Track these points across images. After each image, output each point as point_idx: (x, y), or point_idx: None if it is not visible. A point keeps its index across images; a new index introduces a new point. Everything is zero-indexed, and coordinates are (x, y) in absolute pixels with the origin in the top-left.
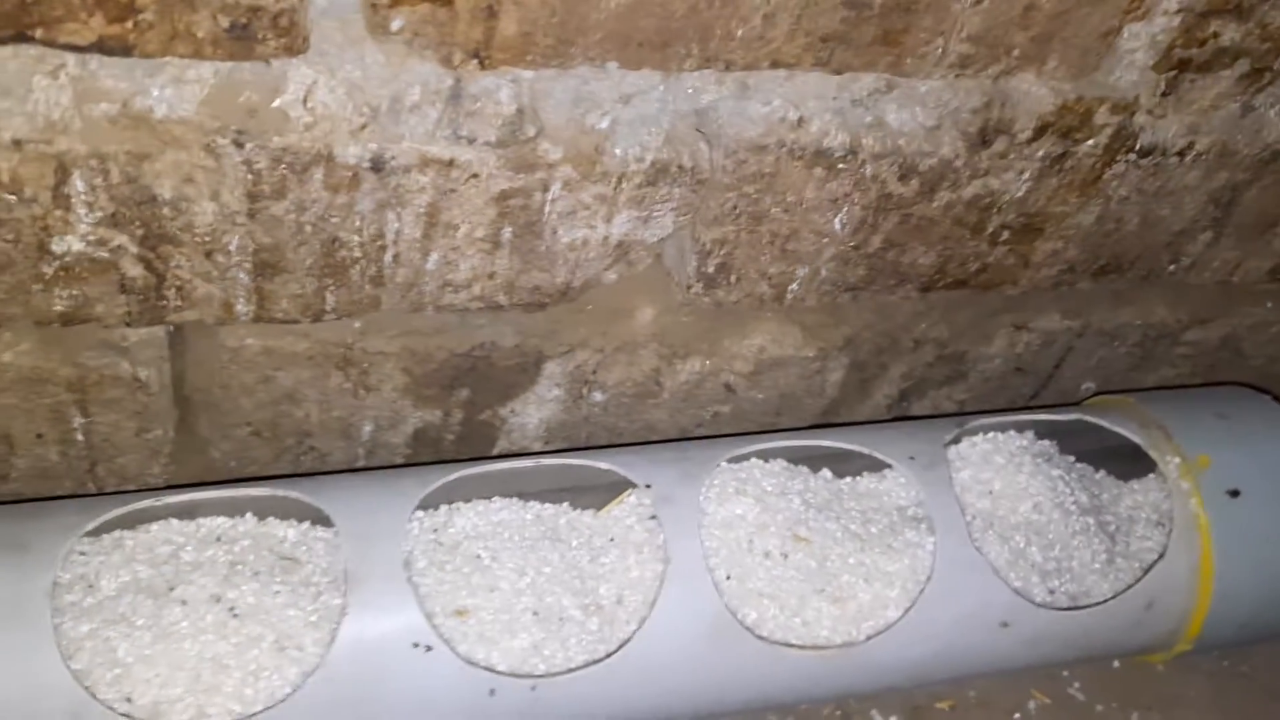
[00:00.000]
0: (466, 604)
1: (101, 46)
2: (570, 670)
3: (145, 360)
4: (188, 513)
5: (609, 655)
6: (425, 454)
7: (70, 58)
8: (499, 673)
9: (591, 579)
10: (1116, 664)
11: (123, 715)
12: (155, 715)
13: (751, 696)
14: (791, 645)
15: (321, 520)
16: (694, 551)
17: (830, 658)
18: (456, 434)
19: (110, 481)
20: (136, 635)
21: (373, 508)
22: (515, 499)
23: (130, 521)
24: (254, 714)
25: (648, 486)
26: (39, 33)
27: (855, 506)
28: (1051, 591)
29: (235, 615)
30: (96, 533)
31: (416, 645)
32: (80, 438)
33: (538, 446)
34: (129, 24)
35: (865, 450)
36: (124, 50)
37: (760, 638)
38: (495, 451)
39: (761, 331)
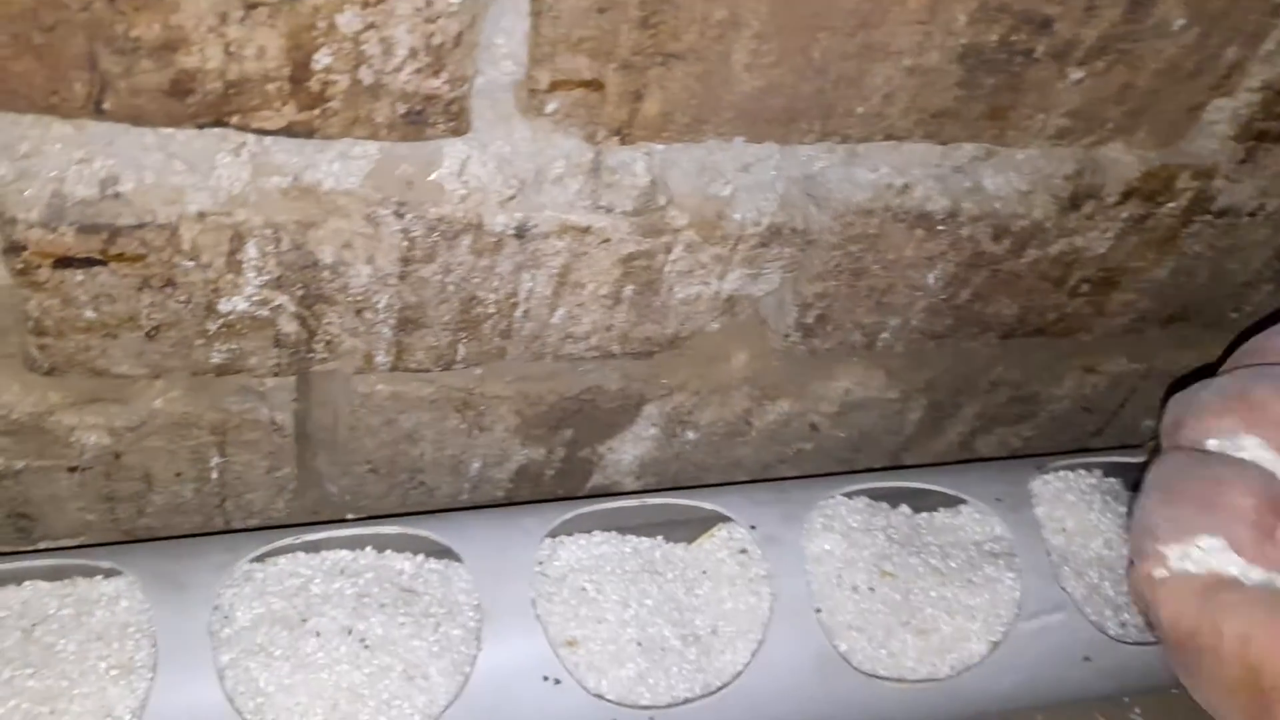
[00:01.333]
0: (575, 635)
1: (288, 131)
2: (686, 701)
3: (279, 404)
4: (312, 546)
5: (723, 687)
6: (525, 489)
7: (251, 137)
8: (620, 704)
9: (688, 610)
10: (1175, 690)
11: None
12: None
13: None
14: (885, 679)
15: (435, 553)
16: (799, 589)
17: (921, 690)
18: (556, 470)
19: (237, 516)
20: (275, 665)
21: (499, 546)
22: (614, 533)
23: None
24: None
25: (753, 528)
26: (235, 119)
27: (934, 541)
28: (1123, 625)
29: (366, 646)
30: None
31: (546, 678)
32: (215, 476)
33: (629, 481)
34: (316, 111)
35: (954, 493)
36: (307, 134)
37: (857, 670)
38: (589, 485)
39: (848, 375)
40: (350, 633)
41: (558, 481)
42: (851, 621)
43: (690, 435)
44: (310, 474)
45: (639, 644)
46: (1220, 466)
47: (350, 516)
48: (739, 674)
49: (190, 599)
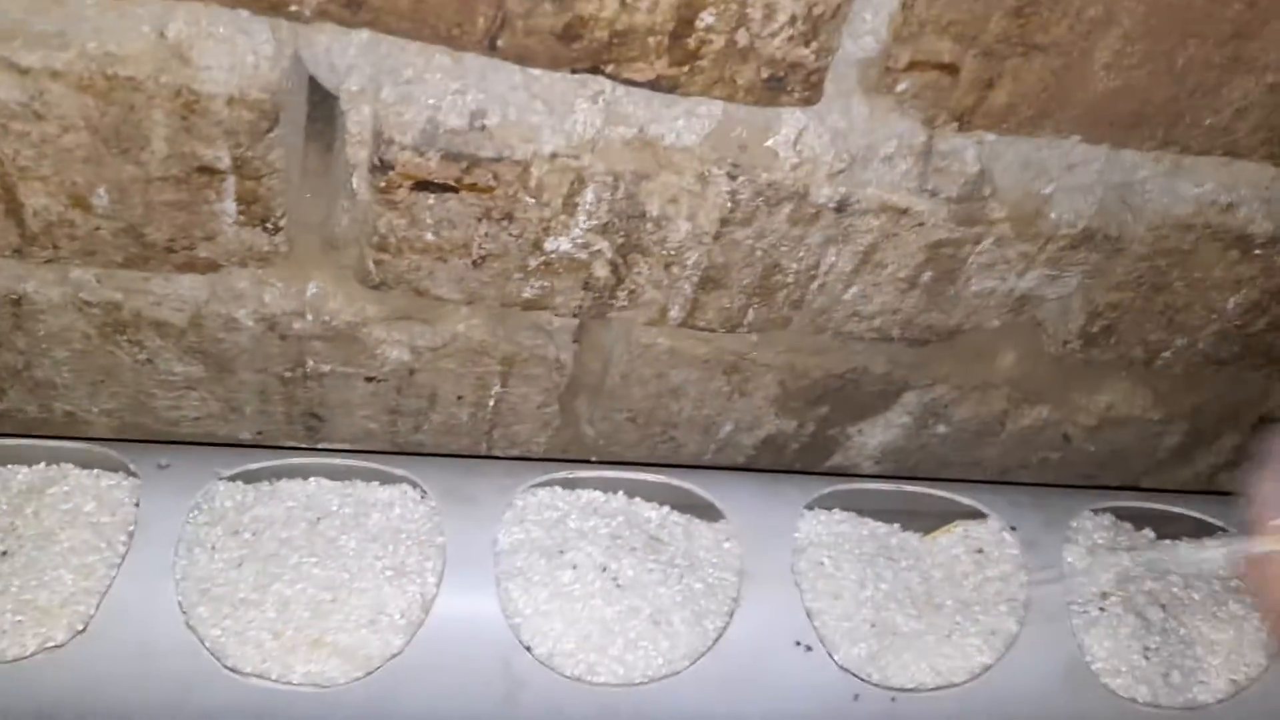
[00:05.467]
0: (811, 607)
1: (654, 84)
2: (930, 689)
3: (563, 344)
4: (569, 483)
5: (968, 681)
6: (767, 458)
7: (608, 85)
8: (865, 680)
9: (922, 601)
10: None
11: (542, 663)
12: (551, 666)
13: None
14: (1136, 702)
15: (678, 507)
16: (1056, 598)
17: (1165, 717)
18: (802, 444)
19: (500, 445)
20: (534, 590)
21: (761, 508)
22: (852, 513)
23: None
24: (638, 683)
25: (1013, 529)
26: (609, 68)
27: (1175, 570)
28: None
29: (618, 586)
30: None
31: (798, 644)
32: (491, 404)
33: (868, 466)
34: (685, 68)
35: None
36: (670, 89)
37: (1106, 688)
38: (828, 464)
39: (1114, 390)
40: (604, 570)
41: (799, 456)
42: (1096, 638)
43: (941, 429)
44: (570, 415)
45: (872, 625)
46: None
47: (593, 460)
48: (986, 670)
49: (479, 514)
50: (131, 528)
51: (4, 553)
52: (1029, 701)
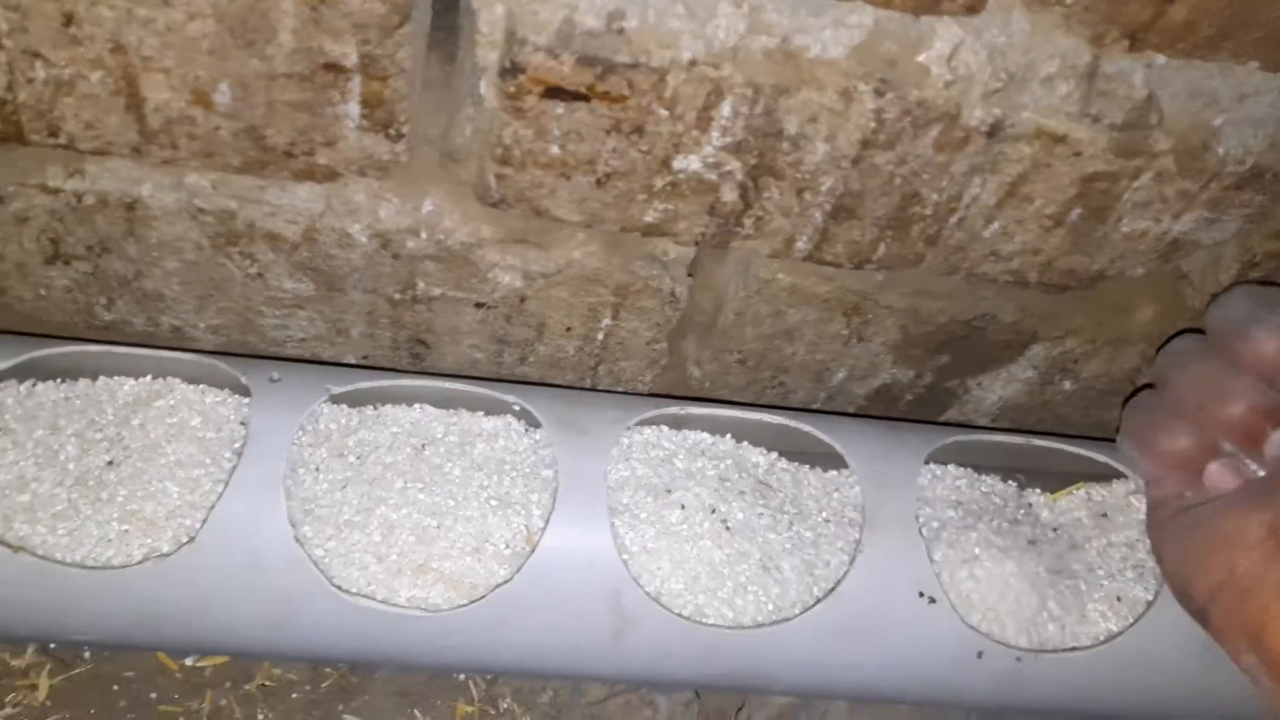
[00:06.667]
0: (936, 561)
1: None
2: (1055, 650)
3: (678, 276)
4: (675, 423)
5: (1095, 645)
6: (878, 408)
7: None
8: (990, 638)
9: (1044, 562)
10: None
11: (655, 601)
12: (663, 605)
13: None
14: None
15: (787, 454)
16: None
17: None
18: (916, 396)
19: (605, 381)
20: (640, 528)
21: (883, 455)
22: (969, 469)
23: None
24: (749, 627)
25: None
26: None
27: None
28: None
29: (728, 528)
30: None
31: (921, 595)
32: (600, 337)
33: (984, 422)
34: None
35: None
36: None
37: None
38: (942, 419)
39: None
40: (714, 512)
41: (912, 408)
42: None
43: (1067, 385)
44: (677, 354)
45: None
46: None
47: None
48: (1114, 636)
49: (590, 445)
50: (238, 444)
51: (110, 462)
52: (1158, 671)
